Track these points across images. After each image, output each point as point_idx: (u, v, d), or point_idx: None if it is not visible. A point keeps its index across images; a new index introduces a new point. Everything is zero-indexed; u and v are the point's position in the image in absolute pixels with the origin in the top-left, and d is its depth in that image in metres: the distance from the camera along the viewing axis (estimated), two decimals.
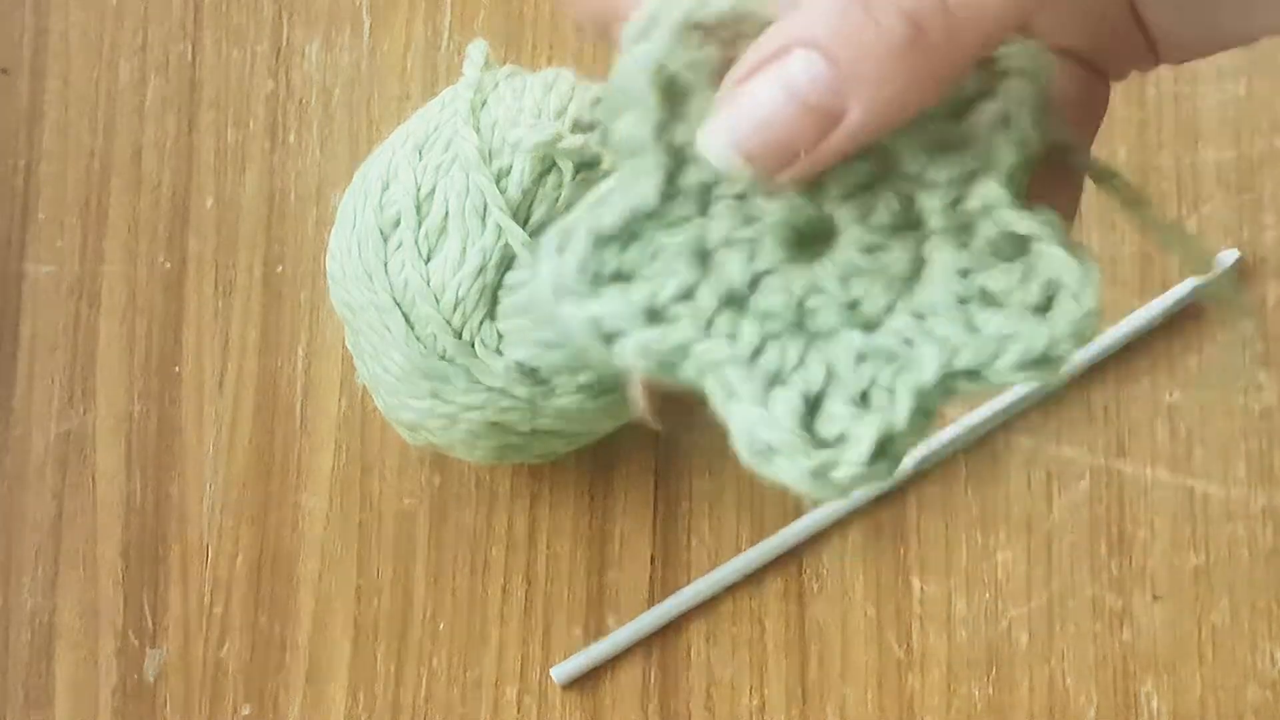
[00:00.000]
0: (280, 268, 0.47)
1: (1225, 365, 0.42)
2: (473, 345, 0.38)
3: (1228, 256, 0.41)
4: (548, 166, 0.38)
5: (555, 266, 0.22)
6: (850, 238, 0.22)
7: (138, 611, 0.46)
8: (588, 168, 0.38)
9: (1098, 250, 0.43)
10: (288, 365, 0.47)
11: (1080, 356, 0.41)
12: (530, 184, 0.38)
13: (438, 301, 0.38)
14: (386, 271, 0.38)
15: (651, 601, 0.43)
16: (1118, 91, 0.43)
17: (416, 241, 0.38)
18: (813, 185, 0.22)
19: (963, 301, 0.22)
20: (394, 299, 0.38)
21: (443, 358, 0.38)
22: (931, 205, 0.22)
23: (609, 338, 0.22)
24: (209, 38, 0.49)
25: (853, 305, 0.22)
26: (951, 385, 0.21)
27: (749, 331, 0.22)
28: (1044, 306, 0.21)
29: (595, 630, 0.43)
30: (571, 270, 0.22)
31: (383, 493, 0.45)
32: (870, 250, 0.22)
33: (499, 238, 0.37)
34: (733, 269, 0.22)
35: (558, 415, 0.39)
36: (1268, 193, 0.42)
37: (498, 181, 0.38)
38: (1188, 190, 0.43)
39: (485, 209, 0.38)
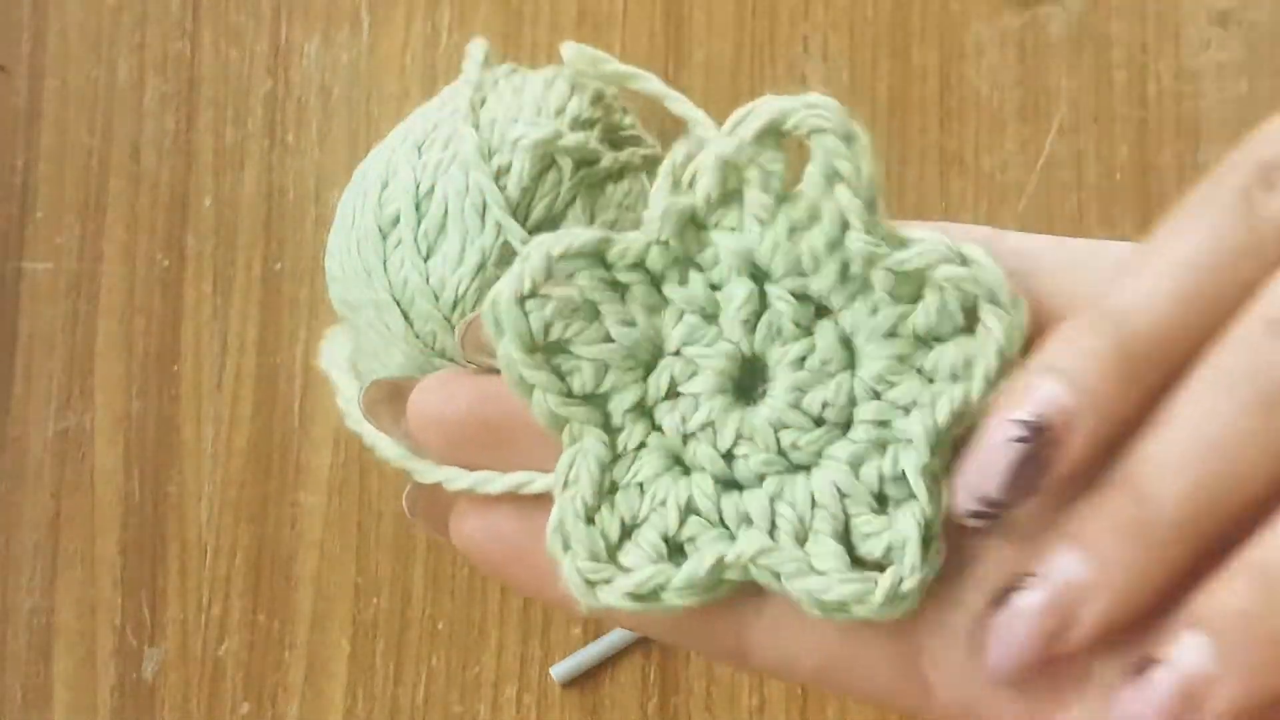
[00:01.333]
0: (279, 266, 0.47)
1: None
2: None
3: None
4: (547, 164, 0.38)
5: (570, 568, 0.22)
6: (781, 379, 0.22)
7: (136, 610, 0.46)
8: (587, 165, 0.38)
9: None
10: (286, 363, 0.46)
11: None
12: (530, 182, 0.38)
13: (437, 299, 0.38)
14: (386, 269, 0.38)
15: None
16: (1118, 91, 0.43)
17: (416, 239, 0.38)
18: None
19: (904, 358, 0.22)
20: (393, 297, 0.38)
21: (442, 355, 0.38)
22: (821, 284, 0.22)
23: (651, 596, 0.22)
24: (207, 36, 0.49)
25: (819, 428, 0.22)
26: (946, 440, 0.21)
27: (758, 511, 0.22)
28: (971, 324, 0.22)
29: (595, 629, 0.43)
30: (584, 566, 0.22)
31: (381, 491, 0.45)
32: (801, 385, 0.22)
33: (498, 236, 0.37)
34: (709, 457, 0.23)
35: None
36: None
37: (497, 179, 0.38)
38: (1188, 189, 0.43)
39: (485, 207, 0.38)
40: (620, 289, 0.23)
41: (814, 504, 0.22)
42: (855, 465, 0.22)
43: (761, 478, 0.22)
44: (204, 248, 0.48)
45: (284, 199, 0.48)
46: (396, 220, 0.38)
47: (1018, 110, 0.44)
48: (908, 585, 0.21)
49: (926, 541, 0.21)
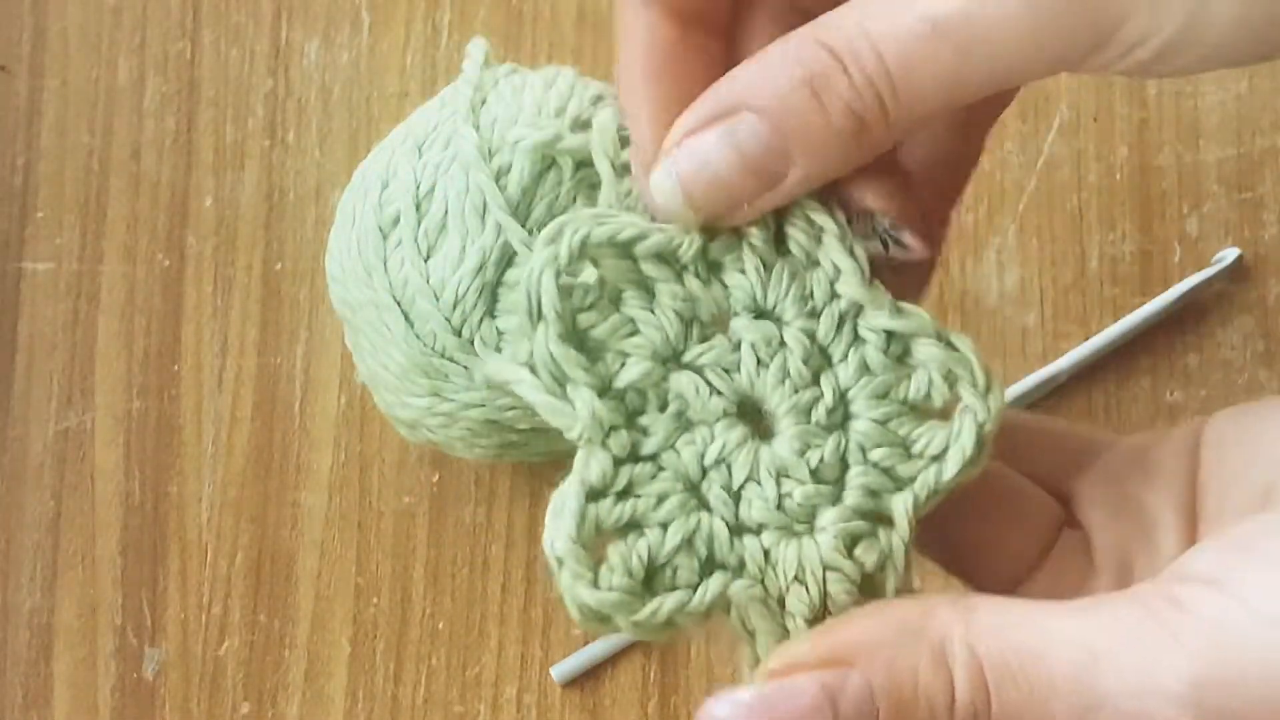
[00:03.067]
0: (279, 266, 0.47)
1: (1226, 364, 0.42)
2: (472, 343, 0.38)
3: (1229, 254, 0.41)
4: (548, 164, 0.38)
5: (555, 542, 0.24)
6: (785, 415, 0.24)
7: (136, 610, 0.46)
8: (588, 165, 0.38)
9: (1098, 249, 0.43)
10: (287, 363, 0.46)
11: (1081, 354, 0.41)
12: (530, 182, 0.38)
13: (437, 299, 0.38)
14: (386, 269, 0.38)
15: None
16: (1118, 91, 0.43)
17: (416, 240, 0.38)
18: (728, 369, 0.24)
19: (888, 421, 0.24)
20: (393, 297, 0.38)
21: (442, 355, 0.38)
22: (825, 335, 0.24)
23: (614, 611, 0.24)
24: (208, 36, 0.49)
25: (815, 477, 0.24)
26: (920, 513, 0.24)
27: (753, 561, 0.24)
28: (952, 392, 0.24)
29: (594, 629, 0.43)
30: (570, 548, 0.24)
31: (382, 491, 0.45)
32: (802, 417, 0.24)
33: (499, 236, 0.37)
34: (721, 499, 0.24)
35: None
36: (1268, 191, 0.42)
37: (497, 179, 0.38)
38: (1188, 189, 0.43)
39: (485, 207, 0.38)
40: (645, 281, 0.24)
41: (799, 570, 0.23)
42: (845, 540, 0.23)
43: (760, 528, 0.24)
44: (204, 248, 0.48)
45: (284, 199, 0.48)
46: (397, 220, 0.38)
47: (1018, 110, 0.44)
48: None
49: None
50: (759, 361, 0.24)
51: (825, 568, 0.23)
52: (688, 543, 0.23)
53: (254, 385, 0.47)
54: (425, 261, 0.38)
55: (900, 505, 0.23)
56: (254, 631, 0.45)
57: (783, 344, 0.24)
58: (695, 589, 0.23)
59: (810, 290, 0.24)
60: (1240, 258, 0.41)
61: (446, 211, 0.38)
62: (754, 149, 0.22)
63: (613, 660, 0.43)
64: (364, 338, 0.40)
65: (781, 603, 0.23)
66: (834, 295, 0.24)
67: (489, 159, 0.38)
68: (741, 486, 0.23)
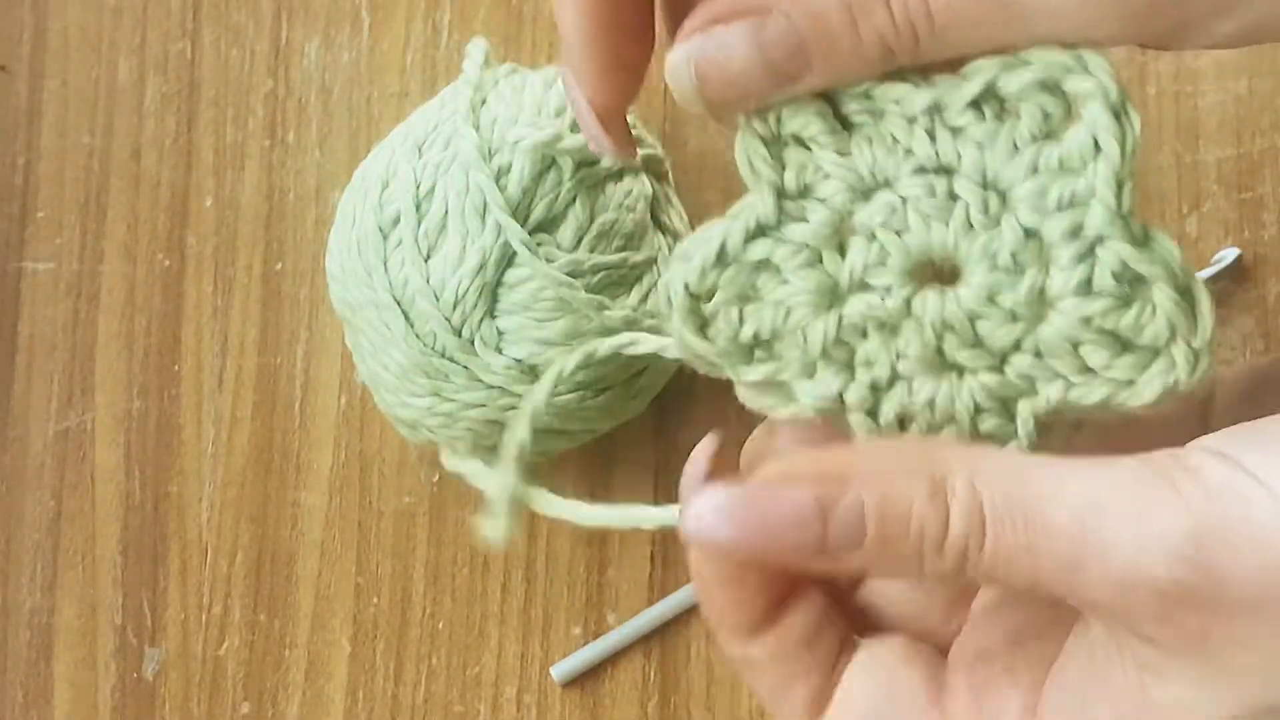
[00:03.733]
0: (279, 266, 0.47)
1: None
2: (472, 343, 0.38)
3: (1229, 254, 0.41)
4: (548, 164, 0.38)
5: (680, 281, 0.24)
6: (978, 278, 0.23)
7: (137, 610, 0.46)
8: (587, 166, 0.38)
9: None
10: (287, 363, 0.46)
11: None
12: (530, 182, 0.38)
13: (437, 299, 0.38)
14: (386, 269, 0.38)
15: (651, 600, 0.43)
16: None
17: (416, 239, 0.38)
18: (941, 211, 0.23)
19: (1080, 342, 0.23)
20: (393, 297, 0.38)
21: (442, 355, 0.38)
22: (1050, 235, 0.23)
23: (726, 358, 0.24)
24: (208, 36, 0.49)
25: (977, 343, 0.23)
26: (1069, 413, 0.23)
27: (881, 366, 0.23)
28: (1163, 343, 0.22)
29: (595, 628, 0.43)
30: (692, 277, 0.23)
31: (382, 491, 0.45)
32: (994, 291, 0.23)
33: (499, 236, 0.37)
34: (869, 311, 0.23)
35: (557, 413, 0.39)
36: (1268, 191, 0.42)
37: (497, 179, 0.38)
38: (1188, 189, 0.43)
39: (485, 207, 0.38)
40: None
41: (924, 403, 0.23)
42: (983, 398, 0.23)
43: (900, 356, 0.23)
44: (205, 248, 0.48)
45: (284, 199, 0.48)
46: (397, 220, 0.38)
47: None
48: None
49: None
50: (961, 220, 0.23)
51: (948, 413, 0.23)
52: (807, 333, 0.23)
53: (254, 385, 0.47)
54: (425, 261, 0.38)
55: (1048, 395, 0.23)
56: (254, 631, 0.45)
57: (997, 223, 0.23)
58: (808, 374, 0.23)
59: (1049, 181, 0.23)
60: (1240, 258, 0.41)
61: (446, 211, 0.38)
62: (777, 50, 0.22)
63: (613, 660, 0.43)
64: (364, 338, 0.40)
65: (878, 417, 0.23)
66: (1074, 201, 0.22)
67: (489, 159, 0.38)
68: (898, 317, 0.23)
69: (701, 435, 0.43)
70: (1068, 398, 0.23)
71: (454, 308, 0.38)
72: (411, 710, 0.44)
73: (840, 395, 0.24)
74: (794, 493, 0.22)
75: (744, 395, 0.25)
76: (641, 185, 0.40)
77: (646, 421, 0.43)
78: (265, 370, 0.47)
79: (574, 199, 0.38)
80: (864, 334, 0.23)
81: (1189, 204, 0.43)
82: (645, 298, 0.39)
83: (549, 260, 0.38)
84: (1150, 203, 0.43)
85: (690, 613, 0.43)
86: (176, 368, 0.47)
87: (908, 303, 0.23)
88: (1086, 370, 0.23)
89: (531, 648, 0.44)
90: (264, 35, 0.49)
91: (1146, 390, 0.22)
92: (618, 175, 0.40)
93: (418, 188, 0.38)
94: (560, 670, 0.43)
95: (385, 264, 0.38)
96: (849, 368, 0.24)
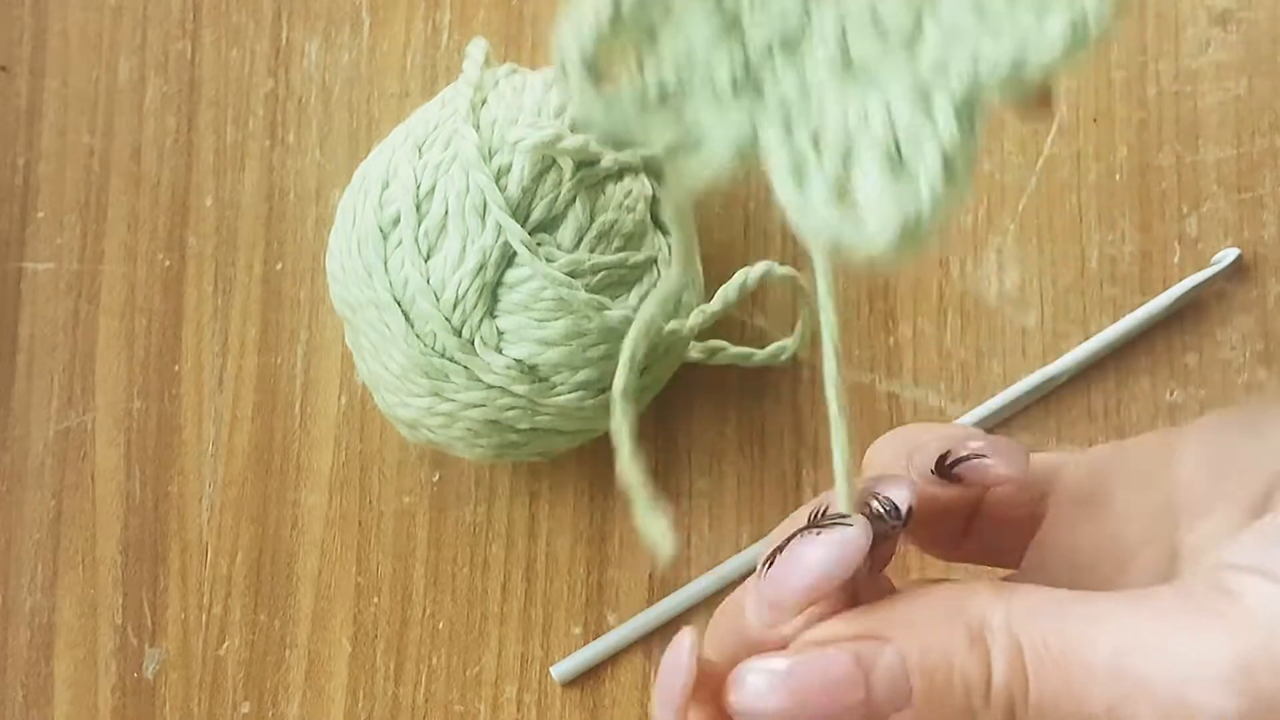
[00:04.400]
0: (280, 266, 0.47)
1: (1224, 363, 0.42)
2: (472, 343, 0.38)
3: (1228, 254, 0.41)
4: (548, 164, 0.38)
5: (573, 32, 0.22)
6: None
7: (137, 610, 0.46)
8: (587, 166, 0.38)
9: (1097, 249, 0.43)
10: (287, 363, 0.47)
11: (1080, 355, 0.41)
12: (530, 182, 0.38)
13: (437, 299, 0.38)
14: (386, 269, 0.38)
15: (651, 599, 0.43)
16: (1118, 91, 0.43)
17: (416, 239, 0.38)
18: None
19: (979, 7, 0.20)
20: (393, 297, 0.38)
21: (442, 355, 0.38)
22: None
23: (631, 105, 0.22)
24: (208, 36, 0.49)
25: (881, 33, 0.21)
26: (987, 93, 0.20)
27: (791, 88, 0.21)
28: None
29: (595, 628, 0.43)
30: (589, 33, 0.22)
31: (382, 490, 0.45)
32: None
33: (499, 236, 0.37)
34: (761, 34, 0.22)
35: (557, 413, 0.39)
36: (1268, 191, 0.42)
37: (497, 180, 0.38)
38: (1188, 189, 0.43)
39: (485, 207, 0.38)
40: None
41: (836, 117, 0.21)
42: (911, 100, 0.20)
43: (806, 70, 0.21)
44: (205, 248, 0.48)
45: (285, 199, 0.48)
46: (397, 220, 0.38)
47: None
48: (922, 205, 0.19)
49: (949, 176, 0.20)
50: None
51: (865, 129, 0.20)
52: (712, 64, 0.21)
53: (254, 385, 0.47)
54: (425, 261, 0.38)
55: (958, 72, 0.20)
56: (254, 631, 0.45)
57: None
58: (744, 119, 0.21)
59: None
60: (1240, 258, 0.41)
61: (446, 211, 0.38)
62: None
63: (613, 660, 0.43)
64: (364, 338, 0.40)
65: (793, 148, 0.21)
66: None
67: (489, 159, 0.38)
68: (799, 28, 0.21)
69: (701, 435, 0.44)
70: (978, 73, 0.20)
71: (454, 308, 0.38)
72: (412, 710, 0.44)
73: (754, 132, 0.21)
74: (835, 655, 0.22)
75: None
76: (641, 185, 0.40)
77: (646, 421, 0.43)
78: (265, 370, 0.47)
79: (574, 199, 0.38)
80: (770, 57, 0.22)
81: (1189, 204, 0.43)
82: (646, 297, 0.39)
83: (549, 260, 0.38)
84: (1150, 203, 0.43)
85: (691, 613, 0.43)
86: (177, 368, 0.47)
87: (807, 11, 0.21)
88: (991, 33, 0.20)
89: (531, 648, 0.44)
90: (264, 35, 0.49)
91: (1054, 32, 0.19)
92: (618, 175, 0.40)
93: (418, 188, 0.38)
94: (560, 670, 0.43)
95: (385, 264, 0.38)
96: (760, 98, 0.22)
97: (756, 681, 0.22)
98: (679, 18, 0.22)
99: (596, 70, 0.22)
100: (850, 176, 0.20)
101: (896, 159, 0.20)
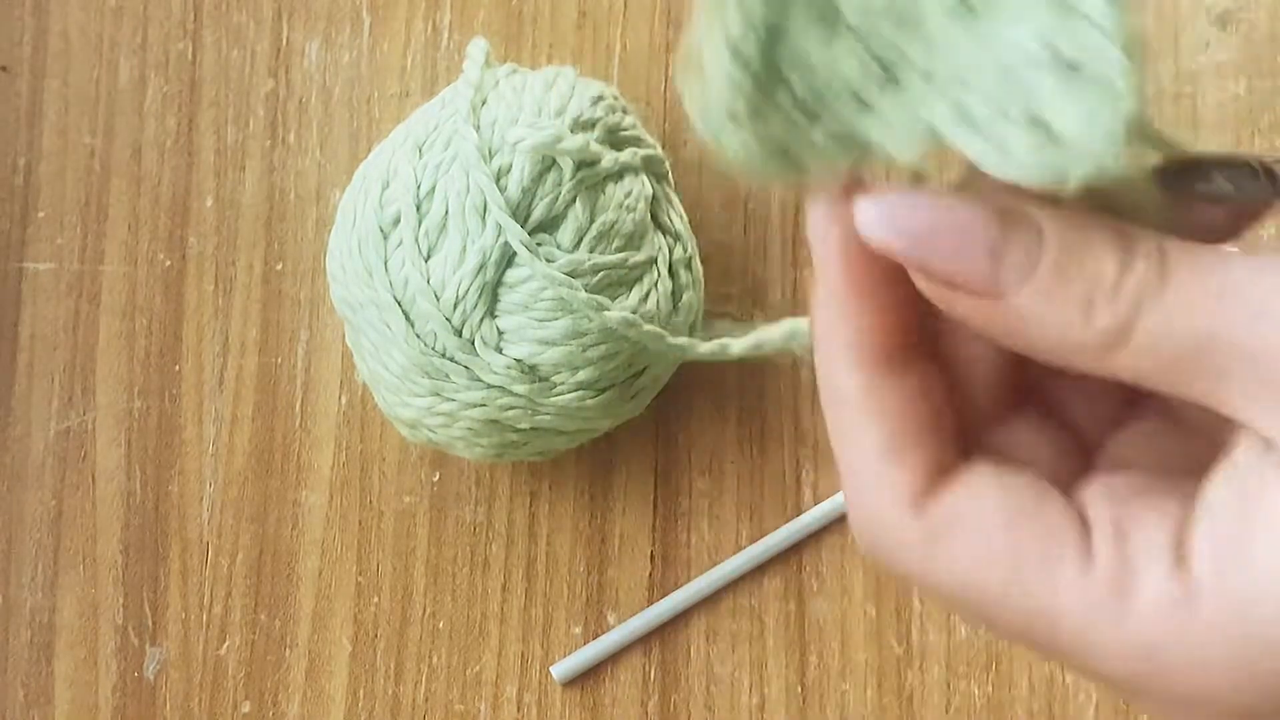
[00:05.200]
0: (280, 266, 0.47)
1: None
2: (473, 343, 0.38)
3: None
4: (548, 165, 0.38)
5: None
6: None
7: (138, 609, 0.46)
8: (588, 166, 0.38)
9: None
10: (287, 363, 0.47)
11: None
12: (530, 182, 0.38)
13: (438, 299, 0.38)
14: (387, 269, 0.38)
15: (651, 599, 0.43)
16: None
17: (416, 239, 0.38)
18: None
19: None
20: (394, 297, 0.38)
21: (443, 355, 0.38)
22: None
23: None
24: (209, 37, 0.49)
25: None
26: None
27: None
28: None
29: (595, 628, 0.43)
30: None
31: (382, 490, 0.45)
32: None
33: (499, 236, 0.37)
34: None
35: (558, 412, 0.39)
36: None
37: (498, 180, 0.38)
38: None
39: (485, 207, 0.38)
40: None
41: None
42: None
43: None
44: (205, 248, 0.48)
45: (285, 199, 0.48)
46: (397, 220, 0.38)
47: None
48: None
49: (1127, 49, 0.19)
50: None
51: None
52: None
53: (255, 385, 0.47)
54: (426, 261, 0.38)
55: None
56: (255, 631, 0.45)
57: None
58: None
59: None
60: None
61: (447, 212, 0.38)
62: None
63: (613, 660, 0.43)
64: (365, 337, 0.40)
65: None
66: None
67: (489, 159, 0.38)
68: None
69: (701, 435, 0.44)
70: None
71: (454, 308, 0.38)
72: (412, 710, 0.44)
73: (923, 122, 0.20)
74: (976, 208, 0.20)
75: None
76: (641, 185, 0.40)
77: (646, 421, 0.43)
78: (265, 370, 0.47)
79: (574, 199, 0.38)
80: (893, 41, 0.21)
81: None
82: (646, 297, 0.39)
83: (549, 260, 0.38)
84: None
85: (690, 612, 0.43)
86: (177, 368, 0.47)
87: None
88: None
89: (531, 648, 0.44)
90: (265, 35, 0.49)
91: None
92: (618, 175, 0.40)
93: (418, 188, 0.38)
94: (560, 670, 0.43)
95: (386, 264, 0.38)
96: (900, 88, 0.21)
97: (874, 202, 0.20)
98: (794, 41, 0.21)
99: (739, 119, 0.21)
100: (1042, 110, 0.19)
101: (1072, 67, 0.19)
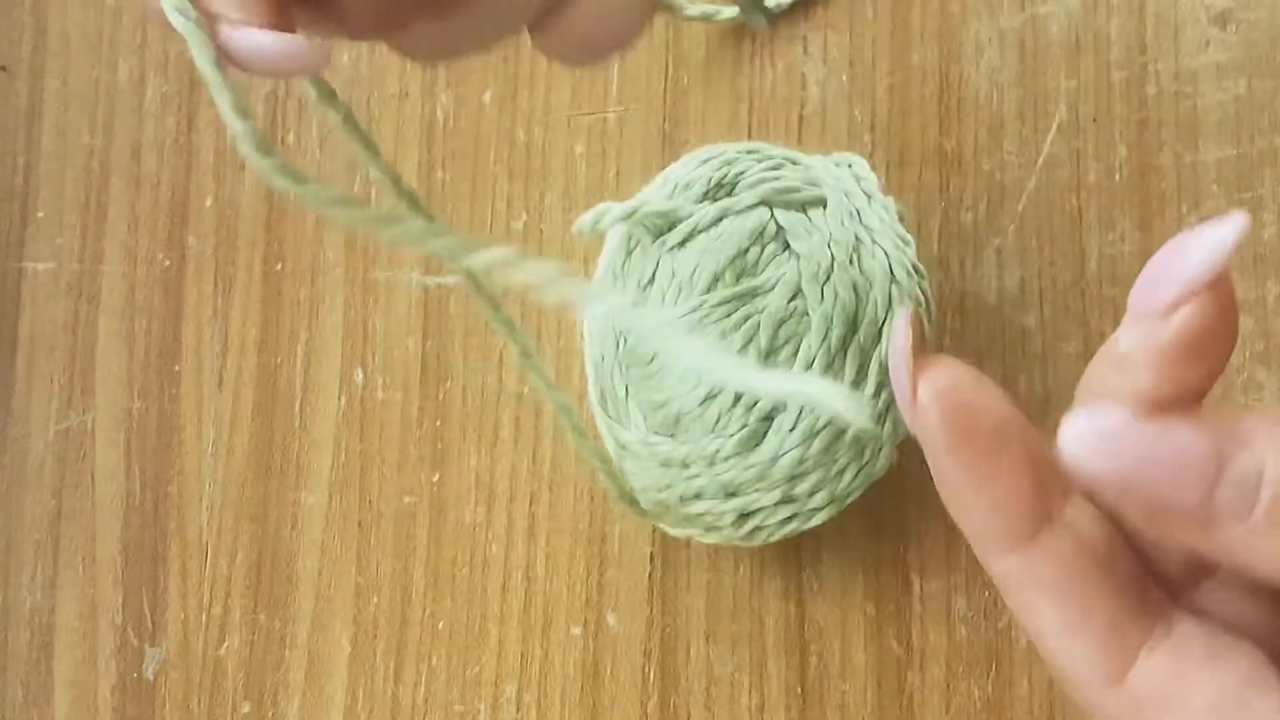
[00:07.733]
0: (279, 266, 0.47)
1: None
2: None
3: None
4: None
5: None
6: None
7: (137, 610, 0.46)
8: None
9: (1097, 248, 0.43)
10: (287, 363, 0.47)
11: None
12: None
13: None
14: None
15: (651, 599, 0.43)
16: (1118, 91, 0.43)
17: None
18: None
19: None
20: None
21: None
22: None
23: None
24: None
25: None
26: None
27: None
28: None
29: (595, 628, 0.43)
30: None
31: (382, 490, 0.45)
32: None
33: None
34: None
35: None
36: (1268, 192, 0.42)
37: None
38: (1188, 189, 0.43)
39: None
40: None
41: None
42: None
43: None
44: (205, 248, 0.48)
45: (285, 199, 0.48)
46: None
47: (1017, 110, 0.44)
48: None
49: None
50: None
51: None
52: None
53: (254, 385, 0.47)
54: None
55: None
56: (254, 631, 0.45)
57: None
58: None
59: None
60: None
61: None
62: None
63: (613, 660, 0.43)
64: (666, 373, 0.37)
65: None
66: None
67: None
68: None
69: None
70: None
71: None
72: (411, 710, 0.44)
73: None
74: (1194, 434, 0.18)
75: None
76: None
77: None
78: (265, 370, 0.47)
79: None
80: None
81: (1189, 204, 0.43)
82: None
83: None
84: (1150, 203, 0.43)
85: (690, 612, 0.43)
86: (176, 368, 0.47)
87: None
88: None
89: (532, 648, 0.44)
90: None
91: None
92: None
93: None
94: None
95: None
96: None
97: (1090, 426, 0.19)
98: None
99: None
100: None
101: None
